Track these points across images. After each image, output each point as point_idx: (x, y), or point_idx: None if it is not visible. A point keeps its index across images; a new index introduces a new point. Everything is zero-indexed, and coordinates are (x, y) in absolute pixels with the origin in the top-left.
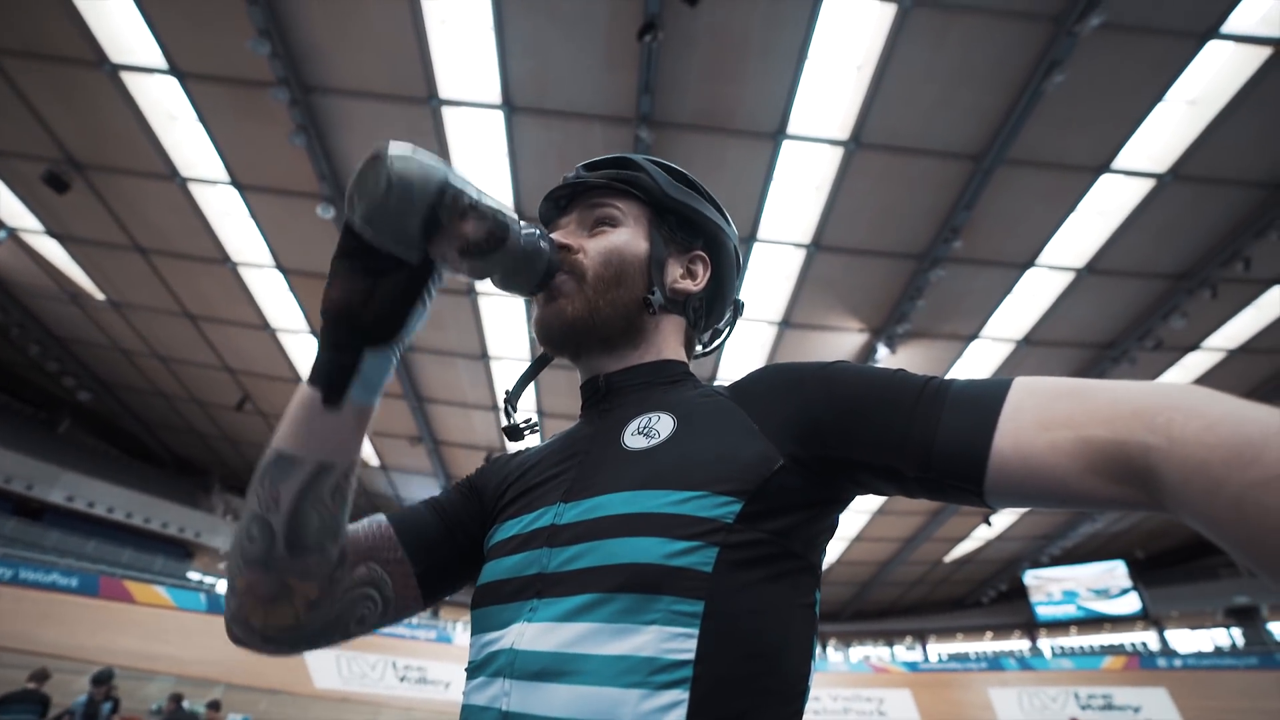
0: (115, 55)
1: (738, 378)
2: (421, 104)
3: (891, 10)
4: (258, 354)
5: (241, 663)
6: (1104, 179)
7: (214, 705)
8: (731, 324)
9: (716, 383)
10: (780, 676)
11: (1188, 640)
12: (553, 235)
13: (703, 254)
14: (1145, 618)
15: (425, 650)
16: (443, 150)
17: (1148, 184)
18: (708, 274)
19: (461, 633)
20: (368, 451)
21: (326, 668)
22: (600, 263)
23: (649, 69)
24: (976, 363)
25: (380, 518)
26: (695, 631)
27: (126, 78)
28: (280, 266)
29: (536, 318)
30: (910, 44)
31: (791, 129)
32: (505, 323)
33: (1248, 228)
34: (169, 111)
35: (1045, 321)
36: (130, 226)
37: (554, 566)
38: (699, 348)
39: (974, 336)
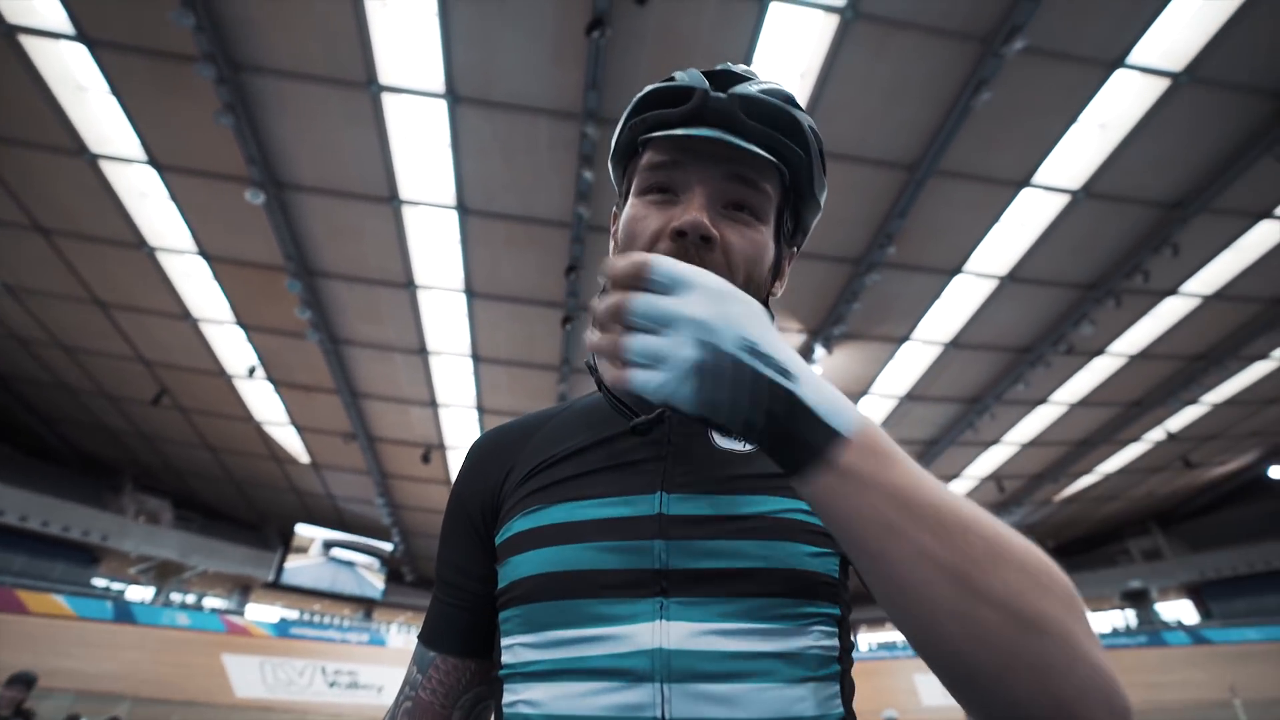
0: (12, 15)
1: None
2: (360, 89)
3: (834, 21)
4: (177, 345)
5: (151, 674)
6: (1025, 193)
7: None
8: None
9: None
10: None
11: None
12: (689, 216)
13: (796, 250)
14: None
15: (357, 654)
16: (382, 140)
17: (1063, 199)
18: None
19: (395, 635)
20: (297, 449)
21: (249, 676)
22: (745, 276)
23: (596, 65)
24: (907, 364)
25: (427, 659)
26: (836, 629)
27: (26, 41)
28: (204, 253)
29: None
30: (851, 55)
31: None
32: (445, 317)
33: (1147, 243)
34: (78, 82)
35: (971, 326)
36: (29, 204)
37: (681, 563)
38: None
39: (905, 339)
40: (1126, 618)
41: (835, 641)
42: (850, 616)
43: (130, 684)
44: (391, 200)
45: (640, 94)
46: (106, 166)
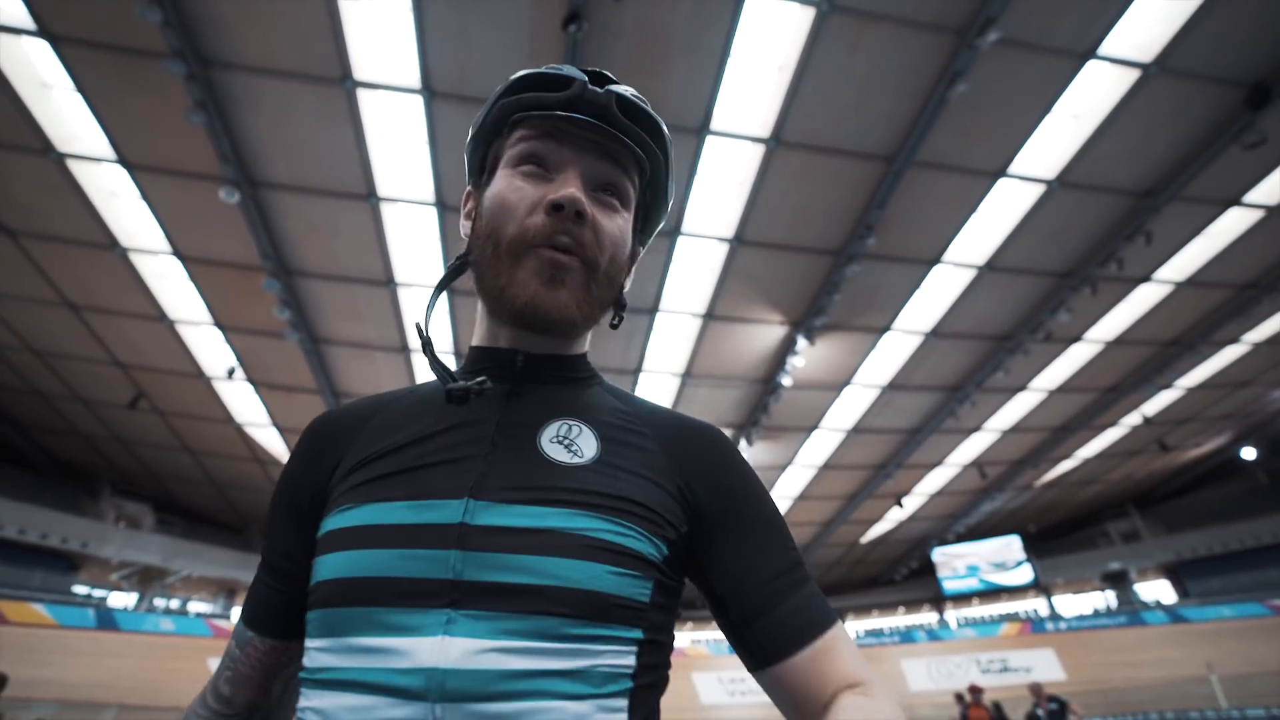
0: None
1: (658, 406)
2: (335, 85)
3: (811, 14)
4: (153, 347)
5: (136, 681)
6: (1001, 183)
7: None
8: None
9: (642, 375)
10: (668, 660)
11: (1071, 604)
12: (566, 190)
13: (641, 250)
14: (1036, 586)
15: None
16: (358, 136)
17: (1039, 189)
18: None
19: None
20: (280, 450)
21: None
22: (609, 256)
23: (573, 60)
24: (889, 354)
25: (245, 637)
26: (635, 650)
27: None
28: (178, 253)
29: (530, 297)
30: (828, 48)
31: (715, 125)
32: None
33: (1120, 231)
34: (42, 79)
35: (950, 315)
36: None
37: (475, 575)
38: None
39: (886, 329)
40: (1106, 599)
41: (630, 661)
42: (664, 639)
43: (115, 692)
44: (369, 197)
45: (516, 75)
46: (74, 166)
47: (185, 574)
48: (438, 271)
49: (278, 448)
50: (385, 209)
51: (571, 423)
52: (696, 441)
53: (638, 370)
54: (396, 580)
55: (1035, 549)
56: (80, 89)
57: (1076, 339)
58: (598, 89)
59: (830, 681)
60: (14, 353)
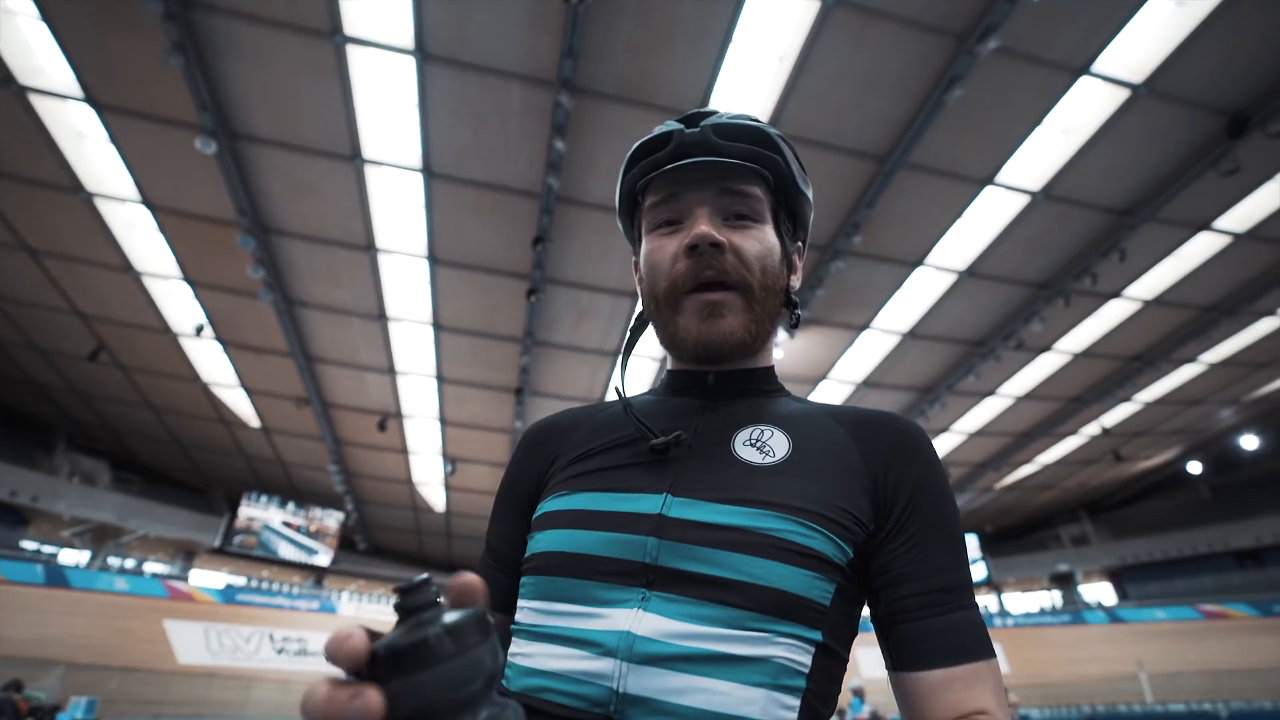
0: None
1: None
2: (324, 39)
3: (816, 6)
4: (117, 299)
5: (87, 640)
6: (988, 191)
7: (14, 686)
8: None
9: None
10: (839, 689)
11: (1020, 602)
12: (696, 230)
13: (802, 245)
14: (989, 583)
15: (307, 621)
16: (346, 94)
17: (1023, 200)
18: (802, 264)
19: (347, 602)
20: (247, 412)
21: (193, 642)
22: (760, 271)
23: (574, 33)
24: (866, 352)
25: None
26: (812, 650)
27: None
28: (148, 202)
29: (696, 336)
30: (830, 42)
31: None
32: (406, 283)
33: (1097, 247)
34: (4, 5)
35: (928, 317)
36: None
37: (669, 561)
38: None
39: (865, 327)
40: (1053, 598)
41: (807, 659)
42: (840, 649)
43: (64, 650)
44: (354, 159)
45: (628, 152)
46: (38, 101)
47: (142, 534)
48: (421, 240)
49: (246, 410)
50: (370, 172)
51: (764, 427)
52: (890, 435)
53: (614, 355)
54: (601, 559)
55: (990, 548)
56: (46, 18)
57: (1046, 348)
58: (694, 129)
59: (959, 709)
60: None
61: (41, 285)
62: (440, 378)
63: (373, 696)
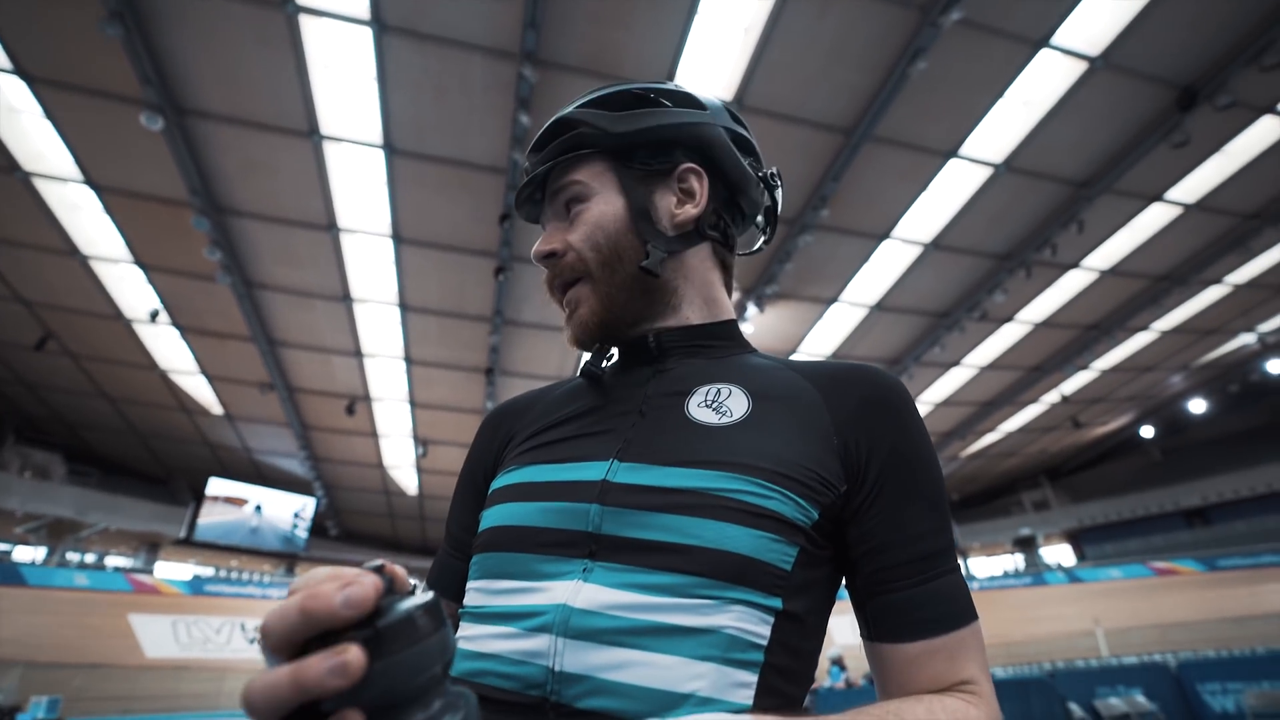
0: None
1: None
2: (274, 8)
3: None
4: (63, 285)
5: (48, 638)
6: (952, 163)
7: None
8: (773, 202)
9: None
10: (813, 664)
11: (985, 566)
12: (537, 246)
13: (691, 165)
14: (956, 550)
15: None
16: (301, 67)
17: (986, 172)
18: (705, 183)
19: None
20: (209, 399)
21: (160, 636)
22: (590, 247)
23: (535, 3)
24: (834, 325)
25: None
26: (771, 619)
27: None
28: (92, 182)
29: (568, 336)
30: (795, 13)
31: (678, 83)
32: (371, 263)
33: (1056, 218)
34: None
35: (895, 290)
36: None
37: (612, 529)
38: (760, 243)
39: (833, 300)
40: (1016, 561)
41: (765, 630)
42: (809, 619)
43: (23, 649)
44: (311, 135)
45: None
46: None
47: (102, 527)
48: (385, 219)
49: (207, 397)
50: (329, 148)
51: (721, 385)
52: (862, 388)
53: None
54: (542, 530)
55: (957, 515)
56: None
57: (1009, 319)
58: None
59: (941, 681)
60: None
61: None
62: (409, 359)
63: (355, 653)
